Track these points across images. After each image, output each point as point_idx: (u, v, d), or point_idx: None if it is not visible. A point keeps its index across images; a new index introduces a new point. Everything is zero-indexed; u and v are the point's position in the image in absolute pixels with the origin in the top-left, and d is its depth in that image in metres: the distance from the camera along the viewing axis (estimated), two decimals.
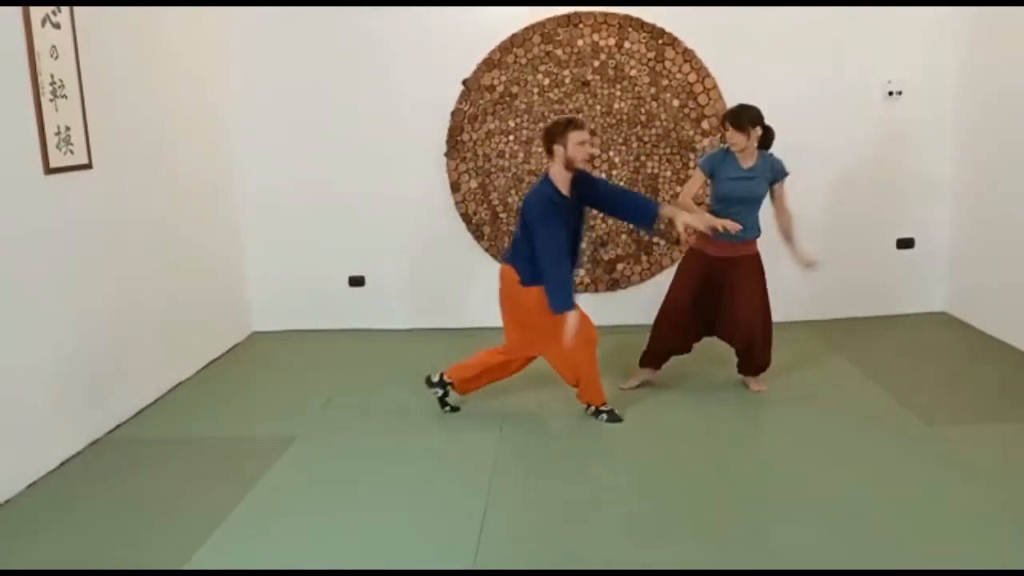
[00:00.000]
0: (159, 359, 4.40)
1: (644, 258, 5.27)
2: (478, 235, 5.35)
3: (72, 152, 3.68)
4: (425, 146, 5.31)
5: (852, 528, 2.84)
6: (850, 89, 5.16)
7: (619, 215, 4.00)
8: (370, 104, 5.28)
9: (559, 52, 5.14)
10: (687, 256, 4.17)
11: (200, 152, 4.98)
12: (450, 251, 5.42)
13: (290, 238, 5.49)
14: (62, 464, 3.56)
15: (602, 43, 5.12)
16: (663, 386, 4.28)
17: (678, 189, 5.19)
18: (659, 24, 5.07)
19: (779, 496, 3.11)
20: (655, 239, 5.27)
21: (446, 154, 5.29)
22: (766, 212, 4.08)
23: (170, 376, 4.52)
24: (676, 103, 5.14)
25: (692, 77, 5.11)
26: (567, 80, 5.17)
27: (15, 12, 3.35)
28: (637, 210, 3.85)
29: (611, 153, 5.20)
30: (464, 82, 5.20)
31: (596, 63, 5.14)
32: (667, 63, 5.11)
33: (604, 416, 3.89)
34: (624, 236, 5.29)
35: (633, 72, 5.13)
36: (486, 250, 5.36)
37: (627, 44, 5.11)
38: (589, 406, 3.93)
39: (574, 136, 3.58)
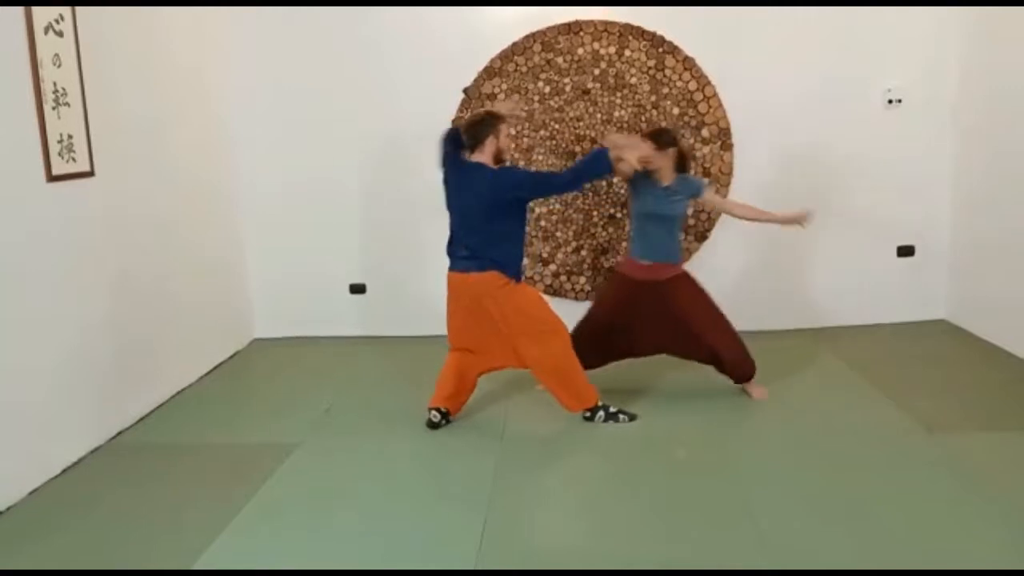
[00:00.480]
0: (160, 365, 4.40)
1: None
2: None
3: (74, 160, 3.70)
4: (426, 154, 5.31)
5: (852, 534, 2.83)
6: (850, 97, 5.17)
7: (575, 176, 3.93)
8: (371, 111, 5.30)
9: (560, 60, 5.16)
10: (612, 278, 4.31)
11: (202, 160, 5.00)
12: None
13: (291, 245, 5.51)
14: (64, 471, 3.56)
15: (602, 51, 5.14)
16: (664, 391, 4.29)
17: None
18: (659, 32, 5.09)
19: (779, 501, 3.10)
20: None
21: None
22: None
23: (171, 383, 4.53)
24: (676, 111, 5.16)
25: (692, 85, 5.13)
26: (568, 88, 5.18)
27: (18, 20, 3.36)
28: (587, 163, 3.83)
29: None
30: (465, 90, 5.22)
31: (596, 71, 5.16)
32: (667, 71, 5.13)
33: (623, 416, 3.92)
34: (625, 244, 5.29)
35: (633, 80, 5.15)
36: None
37: (627, 52, 5.13)
38: (593, 411, 3.93)
39: (504, 128, 3.81)
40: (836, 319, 5.39)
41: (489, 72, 5.19)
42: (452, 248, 3.90)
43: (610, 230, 5.27)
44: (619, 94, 5.16)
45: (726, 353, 4.07)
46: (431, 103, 5.23)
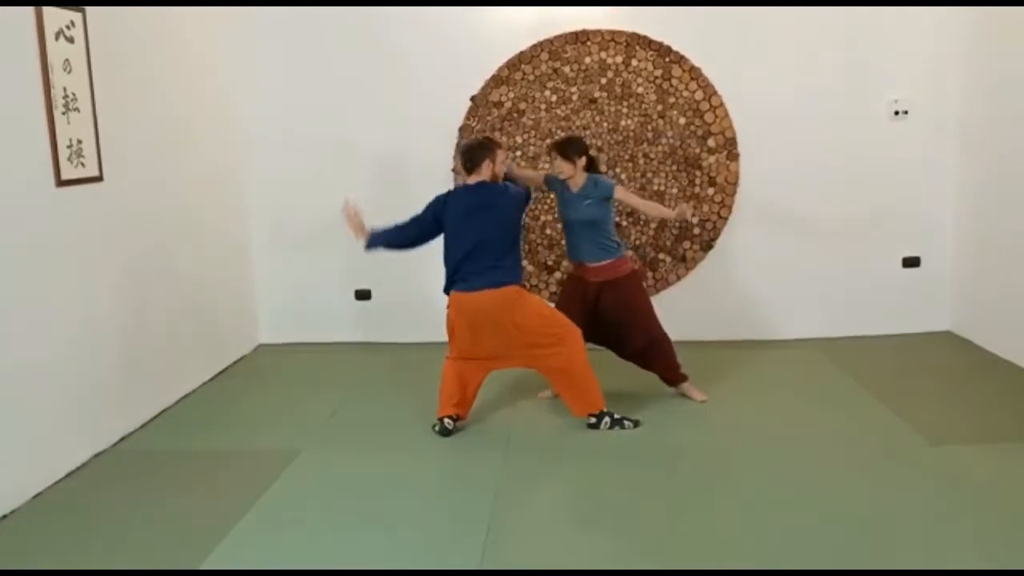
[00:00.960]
0: (166, 371, 4.41)
1: (650, 275, 5.28)
2: None
3: (83, 165, 3.72)
4: (433, 161, 5.34)
5: (853, 545, 2.83)
6: (856, 108, 5.17)
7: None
8: (379, 119, 5.32)
9: (567, 69, 5.17)
10: (566, 283, 4.42)
11: (210, 165, 5.02)
12: None
13: (298, 251, 5.52)
14: (68, 475, 3.57)
15: (609, 61, 5.15)
16: (665, 398, 4.29)
17: (684, 206, 5.20)
18: (666, 42, 5.10)
19: (780, 510, 3.10)
20: (660, 255, 5.29)
21: (453, 170, 5.31)
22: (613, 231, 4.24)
23: (176, 388, 4.54)
24: (683, 121, 5.17)
25: (699, 95, 5.14)
26: (574, 97, 5.20)
27: (29, 26, 3.39)
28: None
29: (617, 170, 5.22)
30: (472, 98, 5.24)
31: (603, 80, 5.17)
32: (674, 81, 5.14)
33: (628, 423, 3.94)
34: (630, 252, 5.30)
35: (640, 89, 5.16)
36: None
37: (634, 62, 5.14)
38: (598, 417, 3.93)
39: (500, 154, 4.02)
40: (840, 330, 5.39)
41: (496, 80, 5.20)
42: (464, 270, 3.94)
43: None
44: (626, 103, 5.17)
45: (655, 354, 4.21)
46: (438, 111, 5.25)
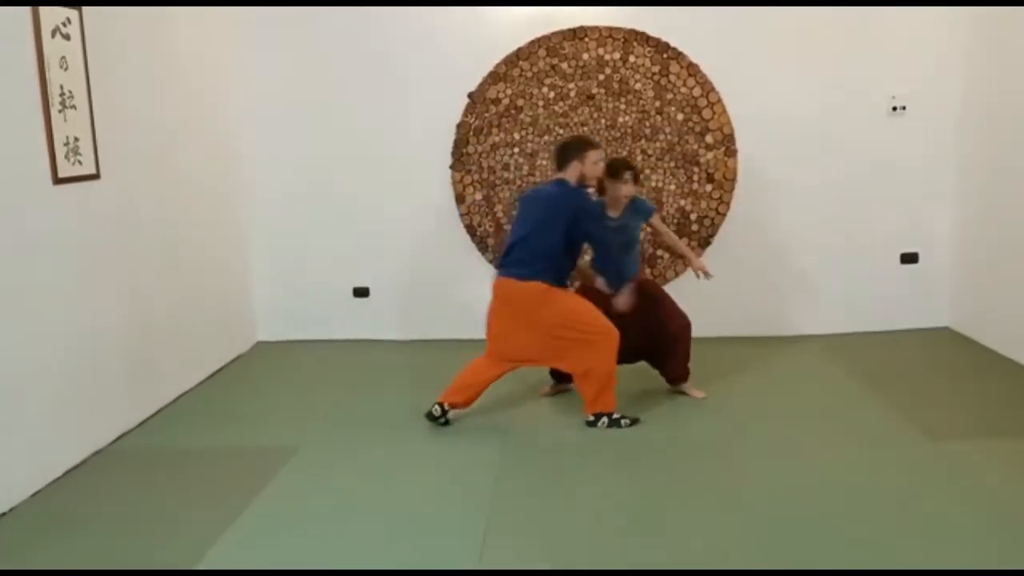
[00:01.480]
0: (163, 369, 4.41)
1: (648, 271, 5.28)
2: (482, 247, 5.37)
3: (80, 162, 3.71)
4: (430, 158, 5.34)
5: (852, 540, 2.83)
6: (854, 104, 5.17)
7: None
8: (376, 116, 5.32)
9: (564, 65, 5.17)
10: (584, 292, 4.26)
11: (207, 163, 5.01)
12: (454, 263, 5.44)
13: (295, 249, 5.52)
14: (66, 473, 3.56)
15: (607, 57, 5.14)
16: (663, 396, 4.29)
17: (682, 203, 5.22)
18: (664, 38, 5.10)
19: (780, 506, 3.10)
20: (659, 252, 5.29)
21: (451, 166, 5.31)
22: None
23: (174, 386, 4.53)
24: (680, 117, 5.16)
25: (697, 91, 5.13)
26: (572, 93, 5.19)
27: (26, 23, 3.38)
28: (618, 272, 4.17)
29: None
30: (470, 95, 5.23)
31: (601, 76, 5.17)
32: (672, 77, 5.13)
33: (625, 421, 3.93)
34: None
35: (638, 86, 5.16)
36: (490, 262, 5.37)
37: (632, 58, 5.13)
38: (596, 415, 3.93)
39: (592, 155, 3.89)
40: (839, 326, 5.39)
41: (494, 77, 5.20)
42: (505, 258, 3.96)
43: None
44: (623, 99, 5.17)
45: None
46: (436, 108, 5.24)
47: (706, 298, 5.27)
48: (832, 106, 5.17)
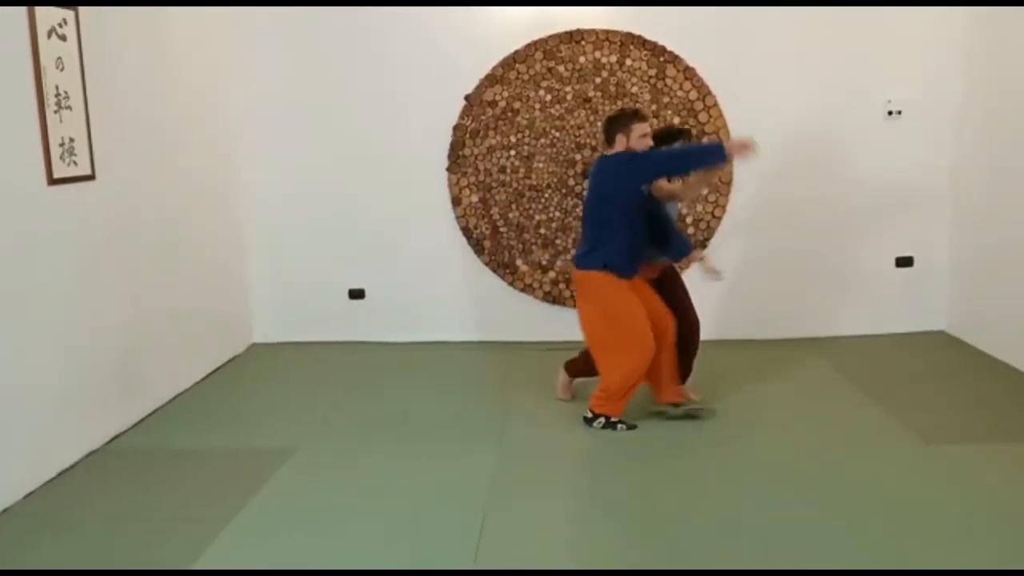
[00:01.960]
0: (159, 370, 4.40)
1: None
2: (478, 249, 5.37)
3: (75, 163, 3.71)
4: (427, 160, 5.34)
5: (847, 544, 2.83)
6: (851, 108, 5.18)
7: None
8: (373, 118, 5.32)
9: (561, 68, 5.17)
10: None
11: (203, 164, 5.00)
12: (450, 265, 5.44)
13: (291, 250, 5.51)
14: (60, 474, 3.55)
15: (604, 60, 5.15)
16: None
17: (678, 205, 5.21)
18: (660, 42, 5.11)
19: (775, 509, 3.10)
20: None
21: (448, 168, 5.31)
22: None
23: (169, 387, 4.52)
24: (677, 120, 5.17)
25: (693, 95, 5.14)
26: (569, 96, 5.20)
27: (22, 24, 3.38)
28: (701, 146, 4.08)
29: None
30: (466, 97, 5.24)
31: (598, 80, 5.17)
32: (668, 80, 5.14)
33: (621, 426, 3.92)
34: None
35: (634, 89, 5.16)
36: (486, 264, 5.38)
37: (629, 61, 5.14)
38: (594, 415, 3.93)
39: (638, 128, 3.71)
40: (834, 329, 5.40)
41: (491, 79, 5.20)
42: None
43: None
44: (620, 103, 5.17)
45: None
46: (433, 110, 5.25)
47: (702, 300, 5.26)
48: (829, 109, 5.18)
